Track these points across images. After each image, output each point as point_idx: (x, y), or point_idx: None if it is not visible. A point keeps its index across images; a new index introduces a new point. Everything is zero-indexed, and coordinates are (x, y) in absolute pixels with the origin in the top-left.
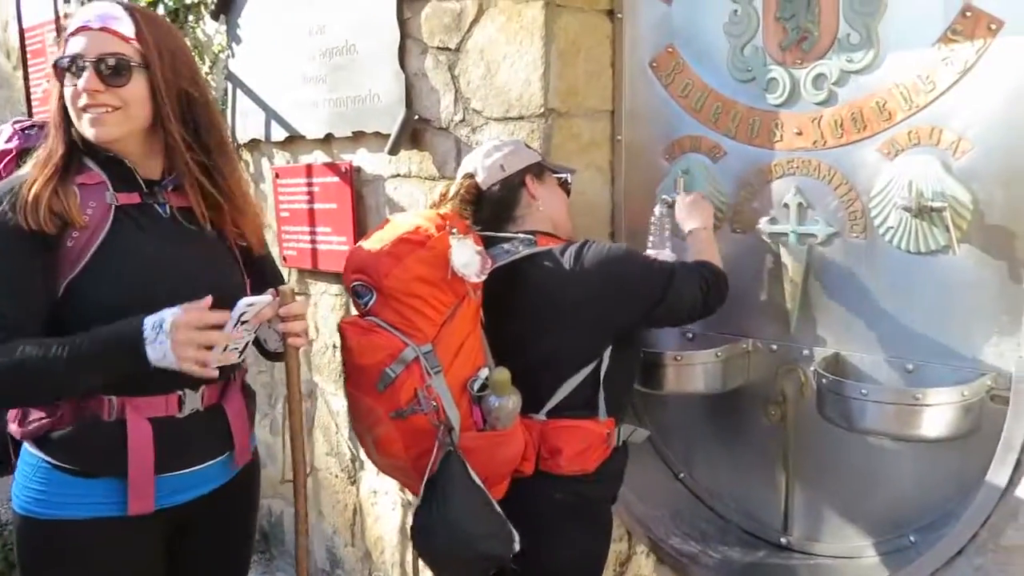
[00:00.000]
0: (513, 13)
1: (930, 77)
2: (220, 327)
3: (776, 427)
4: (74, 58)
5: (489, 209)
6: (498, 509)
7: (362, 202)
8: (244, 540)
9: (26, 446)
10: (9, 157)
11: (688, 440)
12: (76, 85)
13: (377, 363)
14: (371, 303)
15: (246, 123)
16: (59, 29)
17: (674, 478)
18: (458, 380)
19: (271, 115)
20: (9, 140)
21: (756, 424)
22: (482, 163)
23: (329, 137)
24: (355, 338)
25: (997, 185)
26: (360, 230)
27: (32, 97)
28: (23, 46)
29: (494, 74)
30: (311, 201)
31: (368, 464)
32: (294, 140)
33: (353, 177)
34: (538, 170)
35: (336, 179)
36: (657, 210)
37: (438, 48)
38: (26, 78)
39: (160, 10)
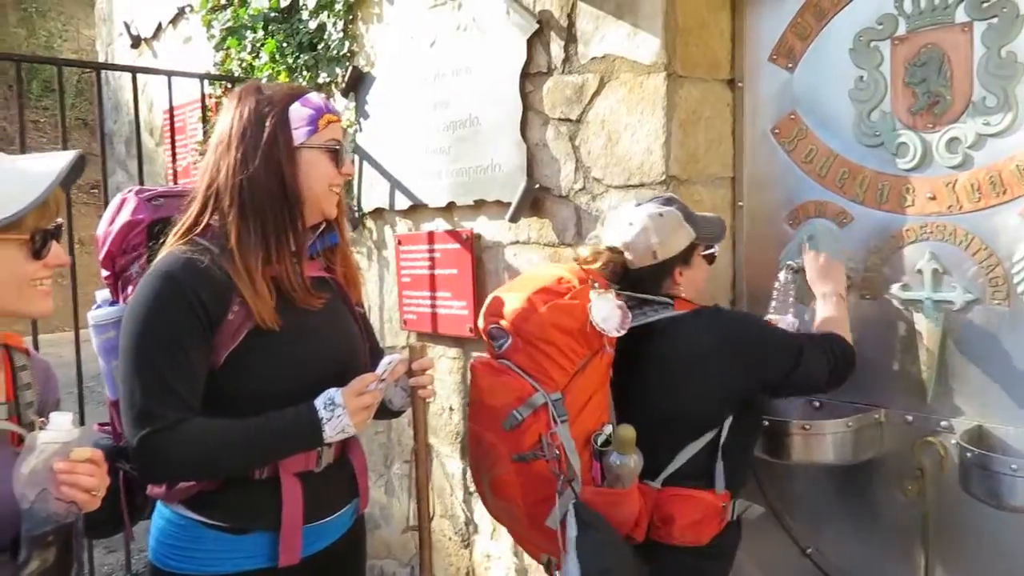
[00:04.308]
0: (635, 85)
1: None
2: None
3: (913, 502)
4: (341, 144)
5: (631, 282)
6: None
7: (482, 267)
8: None
9: (169, 506)
10: (139, 228)
11: (816, 513)
12: (337, 168)
13: (506, 404)
14: (505, 347)
15: (371, 193)
16: (204, 109)
17: (801, 553)
18: (582, 432)
19: (395, 185)
20: (137, 211)
21: (891, 499)
22: (633, 241)
23: (451, 205)
24: (487, 378)
25: None
26: (479, 295)
27: (170, 172)
28: (172, 125)
29: (615, 143)
30: (432, 267)
31: (482, 527)
32: (417, 208)
33: (474, 244)
34: (688, 255)
35: (457, 245)
36: (782, 276)
37: (559, 119)
38: (174, 155)
39: None
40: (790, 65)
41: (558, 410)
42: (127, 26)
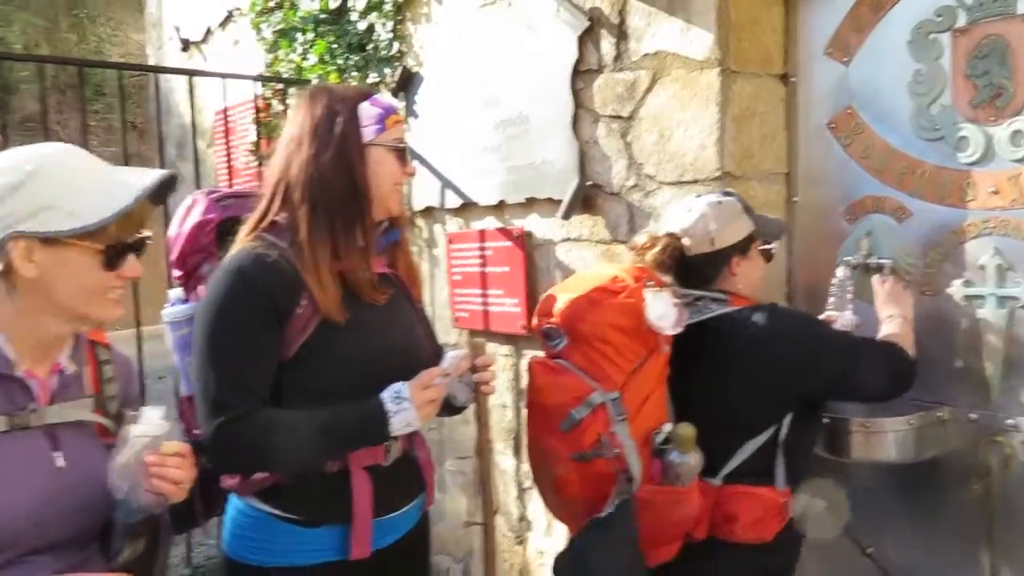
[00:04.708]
0: (688, 81)
1: None
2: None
3: (978, 502)
4: (405, 143)
5: (686, 271)
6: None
7: (533, 265)
8: None
9: (243, 499)
10: (209, 227)
11: (877, 512)
12: (402, 166)
13: (563, 404)
14: (561, 346)
15: (421, 191)
16: (258, 110)
17: (861, 552)
18: (641, 431)
19: (445, 183)
20: (207, 211)
21: (955, 498)
22: (692, 227)
23: (501, 203)
24: (543, 377)
25: None
26: (531, 292)
27: (219, 171)
28: (227, 127)
29: (667, 140)
30: (483, 265)
31: (536, 524)
32: (467, 207)
33: (525, 241)
34: (746, 246)
35: (508, 243)
36: (839, 272)
37: (610, 116)
38: (229, 155)
39: None
40: (846, 59)
41: (616, 409)
42: (177, 30)
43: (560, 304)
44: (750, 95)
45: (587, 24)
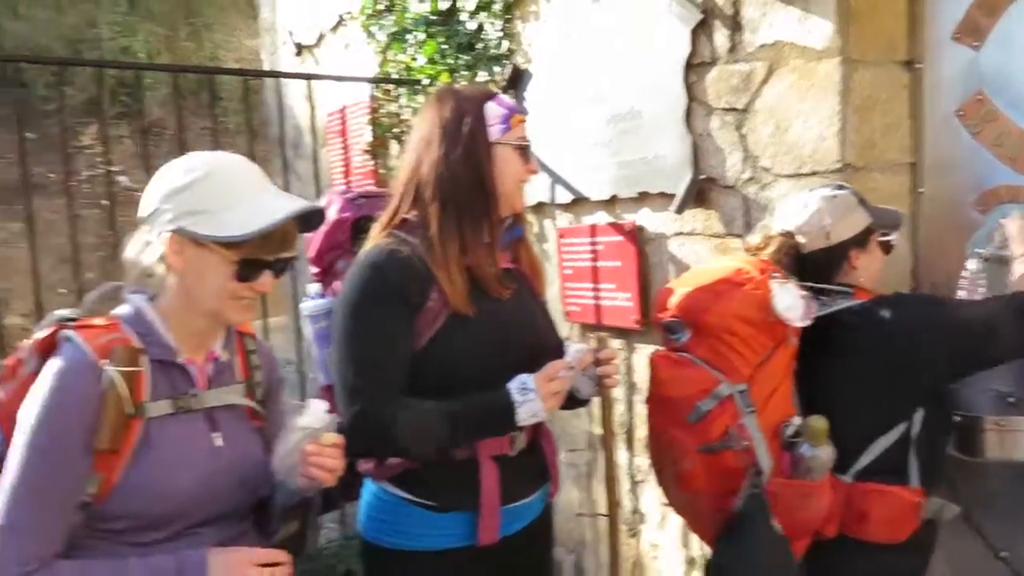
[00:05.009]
0: (806, 71)
1: None
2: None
3: None
4: (528, 141)
5: (804, 268)
6: (793, 561)
7: (645, 259)
8: (551, 567)
9: (378, 484)
10: (345, 225)
11: (1011, 514)
12: (525, 164)
13: (689, 396)
14: (684, 339)
15: (532, 187)
16: (373, 110)
17: (995, 556)
18: (769, 424)
19: (556, 179)
20: (343, 210)
21: None
22: (806, 223)
23: (613, 198)
24: (667, 370)
25: None
26: (644, 287)
27: (333, 170)
28: (344, 127)
29: (784, 131)
30: (595, 259)
31: (649, 517)
32: (578, 202)
33: (637, 236)
34: (864, 239)
35: (620, 238)
36: (971, 265)
37: (724, 109)
38: (347, 155)
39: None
40: (976, 43)
41: (744, 401)
42: (291, 35)
43: (684, 297)
44: (871, 83)
45: (700, 17)
